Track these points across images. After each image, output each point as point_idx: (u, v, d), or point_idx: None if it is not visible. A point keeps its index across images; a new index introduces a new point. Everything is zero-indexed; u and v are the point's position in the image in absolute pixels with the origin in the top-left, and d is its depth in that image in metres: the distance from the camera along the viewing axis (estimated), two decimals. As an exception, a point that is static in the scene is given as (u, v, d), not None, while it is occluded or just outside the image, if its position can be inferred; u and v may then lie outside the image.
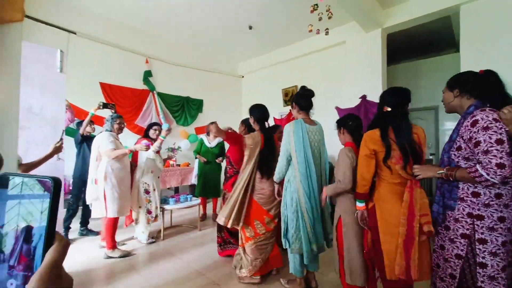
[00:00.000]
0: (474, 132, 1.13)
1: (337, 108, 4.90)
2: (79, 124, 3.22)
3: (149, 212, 2.84)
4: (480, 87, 1.25)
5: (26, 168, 1.60)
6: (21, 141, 1.95)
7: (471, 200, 1.18)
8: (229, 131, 2.39)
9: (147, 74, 5.01)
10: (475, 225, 1.16)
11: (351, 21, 4.36)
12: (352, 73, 4.70)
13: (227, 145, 3.95)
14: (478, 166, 1.10)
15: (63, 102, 2.25)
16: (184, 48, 5.63)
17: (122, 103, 4.68)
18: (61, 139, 1.79)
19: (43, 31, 3.85)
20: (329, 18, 2.75)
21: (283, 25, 4.77)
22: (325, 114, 5.10)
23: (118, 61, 4.70)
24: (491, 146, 1.07)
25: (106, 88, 4.49)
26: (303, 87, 1.97)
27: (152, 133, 2.97)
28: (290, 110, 5.63)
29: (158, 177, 2.98)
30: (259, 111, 2.16)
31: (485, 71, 1.29)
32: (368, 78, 4.47)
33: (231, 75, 6.74)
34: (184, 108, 5.65)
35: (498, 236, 1.13)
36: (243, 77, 7.00)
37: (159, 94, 5.20)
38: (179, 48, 5.57)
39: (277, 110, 6.06)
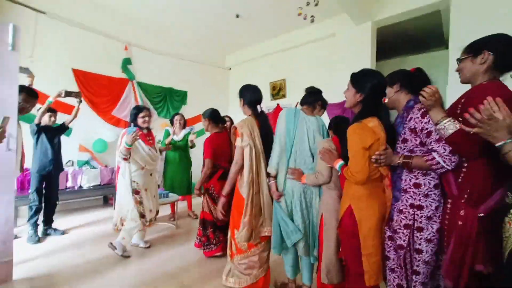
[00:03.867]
0: (425, 122, 1.18)
1: (325, 103, 4.77)
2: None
3: (142, 215, 2.38)
4: (415, 83, 1.32)
5: None
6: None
7: (413, 191, 1.23)
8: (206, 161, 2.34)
9: (126, 62, 4.70)
10: (415, 215, 1.22)
11: (341, 13, 4.22)
12: (341, 67, 4.56)
13: (196, 141, 3.73)
14: (434, 154, 1.14)
15: (15, 83, 1.97)
16: (167, 35, 5.31)
17: (98, 92, 4.36)
18: (1, 127, 1.52)
19: (4, 6, 3.48)
20: (316, 5, 2.59)
21: (271, 14, 4.56)
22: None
23: (93, 46, 4.36)
24: None
25: (80, 75, 4.16)
26: (308, 87, 1.91)
27: (141, 122, 2.45)
28: (277, 104, 5.54)
29: (151, 174, 2.54)
30: (251, 93, 1.86)
31: (416, 68, 1.42)
32: (357, 73, 4.35)
33: (218, 67, 6.49)
34: (166, 99, 5.37)
35: (433, 224, 1.20)
36: (230, 69, 6.76)
37: (139, 84, 4.90)
38: (162, 35, 5.25)
39: (264, 103, 5.80)
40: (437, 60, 4.87)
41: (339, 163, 1.45)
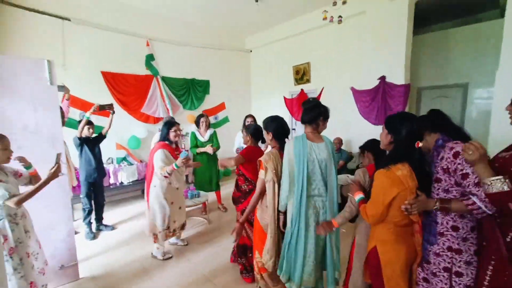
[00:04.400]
0: (459, 163, 1.15)
1: (352, 89, 4.52)
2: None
3: (166, 227, 2.58)
4: (438, 122, 1.32)
5: (19, 200, 1.58)
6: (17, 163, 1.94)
7: (451, 234, 1.21)
8: (238, 155, 2.20)
9: (149, 58, 4.76)
10: (453, 259, 1.20)
11: (373, -12, 3.76)
12: (371, 49, 4.21)
13: (219, 135, 3.81)
14: (475, 199, 1.09)
15: (58, 116, 2.16)
16: (186, 25, 5.21)
17: (126, 92, 4.56)
18: (57, 163, 1.74)
19: (34, 19, 3.63)
20: (344, 3, 2.34)
21: (293, -5, 4.21)
22: (339, 95, 4.75)
23: (118, 46, 4.45)
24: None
25: (108, 77, 4.34)
26: (307, 99, 1.77)
27: (172, 136, 2.54)
28: (301, 89, 5.34)
29: (177, 188, 2.64)
30: (277, 125, 1.84)
31: (430, 110, 1.40)
32: (389, 55, 4.00)
33: (238, 50, 6.30)
34: (190, 91, 5.44)
35: (473, 270, 1.19)
36: (251, 51, 6.53)
37: (163, 78, 4.99)
38: (181, 26, 5.16)
39: (287, 89, 5.72)
40: (487, 31, 4.23)
41: (358, 196, 1.46)
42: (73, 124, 3.77)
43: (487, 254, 1.14)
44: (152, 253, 2.71)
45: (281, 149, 1.82)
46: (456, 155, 1.15)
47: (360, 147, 1.77)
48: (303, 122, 1.73)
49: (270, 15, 5.02)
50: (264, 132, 1.92)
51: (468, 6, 4.46)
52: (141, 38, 4.69)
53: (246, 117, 3.55)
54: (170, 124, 2.59)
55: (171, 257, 2.70)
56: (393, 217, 1.28)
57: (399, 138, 1.30)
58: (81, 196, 3.17)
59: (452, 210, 1.17)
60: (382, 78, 4.08)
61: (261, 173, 1.77)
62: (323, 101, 4.91)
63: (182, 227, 2.83)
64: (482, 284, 1.14)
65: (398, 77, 3.93)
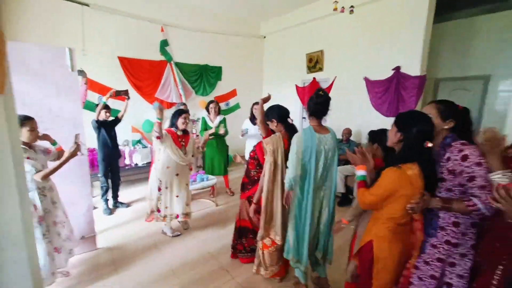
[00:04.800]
0: (467, 166, 1.17)
1: (365, 79, 4.44)
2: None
3: (157, 210, 2.66)
4: (460, 123, 1.29)
5: (45, 175, 1.79)
6: (46, 142, 2.15)
7: (451, 229, 1.26)
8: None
9: (164, 44, 4.85)
10: (449, 251, 1.26)
11: (391, -27, 3.59)
12: (386, 37, 4.08)
13: (229, 122, 3.89)
14: (476, 200, 1.14)
15: (78, 100, 2.33)
16: (200, 11, 5.21)
17: (142, 77, 4.71)
18: (76, 143, 1.91)
19: (55, 5, 3.79)
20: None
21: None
22: (351, 85, 4.68)
23: (133, 32, 4.57)
24: (486, 182, 1.14)
25: (125, 62, 4.49)
26: (318, 92, 1.75)
27: (180, 123, 2.62)
28: (314, 78, 5.29)
29: (177, 174, 2.65)
30: (276, 111, 1.98)
31: (463, 108, 1.33)
32: (406, 43, 3.87)
33: (251, 36, 6.25)
34: (202, 77, 5.53)
35: (467, 262, 1.25)
36: (264, 37, 6.46)
37: (177, 64, 5.09)
38: (195, 12, 5.18)
39: (300, 77, 5.68)
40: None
41: (361, 172, 1.42)
42: (91, 107, 3.98)
43: (498, 254, 1.15)
44: (162, 230, 2.93)
45: (286, 132, 1.95)
46: (464, 158, 1.17)
47: (370, 134, 1.77)
48: (312, 114, 1.76)
49: (284, 0, 4.92)
50: (269, 123, 2.01)
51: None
52: (156, 24, 4.77)
53: (254, 104, 3.59)
54: (179, 112, 2.68)
55: (179, 235, 2.91)
56: (394, 213, 1.30)
57: (409, 137, 1.28)
58: (99, 175, 3.42)
59: (453, 210, 1.21)
60: (397, 69, 3.98)
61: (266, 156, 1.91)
62: (335, 90, 4.89)
63: (187, 215, 2.81)
64: (490, 284, 1.15)
65: (414, 68, 3.82)
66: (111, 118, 3.35)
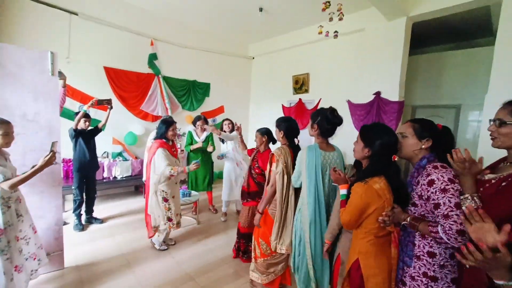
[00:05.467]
0: (432, 192, 1.11)
1: (348, 102, 4.63)
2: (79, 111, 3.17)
3: (169, 219, 2.67)
4: (440, 143, 1.23)
5: (13, 184, 1.64)
6: (18, 147, 2.01)
7: (426, 260, 1.17)
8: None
9: (152, 57, 4.86)
10: (429, 286, 1.16)
11: (372, 6, 3.91)
12: (368, 64, 4.34)
13: (216, 138, 3.87)
14: (439, 228, 1.07)
15: (56, 106, 2.22)
16: (191, 29, 5.34)
17: (128, 88, 4.64)
18: (52, 151, 1.80)
19: (42, 12, 3.73)
20: (340, 19, 2.45)
21: (295, 8, 4.37)
22: (335, 106, 4.81)
23: (122, 44, 4.56)
24: (451, 211, 1.05)
25: (111, 73, 4.42)
26: (333, 111, 1.72)
27: (170, 134, 2.66)
28: (299, 99, 5.45)
29: (176, 183, 2.76)
30: (289, 125, 1.99)
31: (444, 127, 1.27)
32: (385, 71, 4.12)
33: (240, 57, 6.43)
34: (190, 92, 5.53)
35: None
36: (253, 58, 6.67)
37: (165, 78, 5.08)
38: (186, 29, 5.29)
39: (286, 98, 5.84)
40: (479, 57, 4.39)
41: (343, 191, 1.44)
42: (69, 115, 3.82)
43: None
44: (151, 240, 2.82)
45: (290, 146, 1.98)
46: (430, 183, 1.11)
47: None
48: (322, 133, 1.73)
49: (273, 25, 5.17)
50: (276, 130, 2.06)
51: (463, 31, 4.64)
52: (146, 38, 4.80)
53: (224, 120, 3.75)
54: (169, 123, 2.67)
55: (166, 249, 2.81)
56: (370, 227, 1.31)
57: (374, 151, 1.30)
58: (72, 187, 3.21)
59: (419, 229, 1.16)
60: (377, 94, 4.20)
61: (273, 166, 1.90)
62: (319, 111, 5.01)
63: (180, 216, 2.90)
64: None
65: (393, 94, 4.04)
66: (90, 128, 3.21)
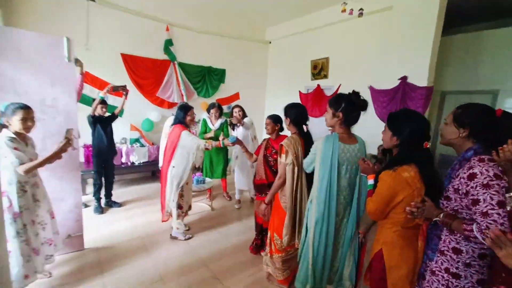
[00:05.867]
0: (472, 187, 0.99)
1: (371, 88, 4.35)
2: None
3: (180, 207, 2.63)
4: (493, 132, 1.06)
5: (28, 169, 1.67)
6: (38, 132, 2.05)
7: (451, 256, 1.10)
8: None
9: (168, 43, 4.81)
10: (450, 282, 1.09)
11: (402, -19, 3.55)
12: (395, 46, 4.01)
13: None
14: (474, 226, 0.97)
15: (73, 92, 2.24)
16: (207, 12, 5.19)
17: (144, 75, 4.65)
18: (67, 138, 1.80)
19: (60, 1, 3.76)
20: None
21: (317, -14, 4.07)
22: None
23: (138, 29, 4.53)
24: (492, 209, 0.94)
25: (128, 59, 4.44)
26: (356, 93, 1.54)
27: (189, 120, 2.61)
28: (318, 85, 5.22)
29: (191, 169, 2.65)
30: (296, 112, 1.90)
31: (504, 113, 1.08)
32: (413, 55, 3.79)
33: (257, 41, 6.22)
34: (205, 79, 5.47)
35: None
36: (270, 42, 6.43)
37: (180, 65, 5.04)
38: (201, 14, 5.15)
39: (303, 83, 5.61)
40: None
41: (370, 181, 1.36)
42: (88, 101, 3.89)
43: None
44: (171, 235, 2.78)
45: (300, 134, 1.87)
46: (471, 177, 1.00)
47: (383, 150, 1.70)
48: (347, 122, 1.56)
49: (291, 6, 4.89)
50: (283, 117, 1.97)
51: (505, 7, 4.12)
52: (162, 23, 4.73)
53: (234, 107, 3.58)
54: (187, 108, 2.62)
55: (191, 237, 2.81)
56: (398, 218, 1.23)
57: (403, 138, 1.22)
58: (92, 171, 3.31)
59: (452, 227, 1.07)
60: (403, 79, 3.89)
61: (282, 157, 1.81)
62: (339, 98, 4.76)
63: (190, 207, 2.87)
64: None
65: (421, 79, 3.73)
66: (107, 114, 3.26)
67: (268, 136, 2.41)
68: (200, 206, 3.67)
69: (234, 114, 3.52)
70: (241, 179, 3.65)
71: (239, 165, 3.68)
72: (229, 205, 3.81)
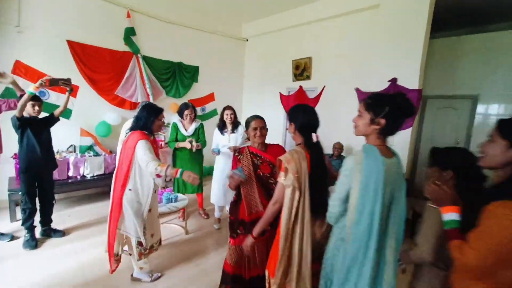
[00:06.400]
0: None
1: (357, 90, 4.07)
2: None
3: (140, 244, 1.91)
4: None
5: None
6: None
7: None
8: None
9: (129, 32, 4.05)
10: None
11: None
12: (382, 47, 3.80)
13: (205, 130, 3.18)
14: None
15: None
16: (176, 1, 4.54)
17: (98, 68, 3.83)
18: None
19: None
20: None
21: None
22: (341, 95, 4.33)
23: (91, 12, 3.72)
24: None
25: (76, 48, 3.60)
26: (402, 95, 1.13)
27: (157, 126, 1.98)
28: (300, 86, 4.86)
29: (155, 191, 2.02)
30: (303, 116, 1.43)
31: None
32: (403, 56, 3.60)
33: (233, 38, 5.70)
34: (175, 77, 4.78)
35: None
36: (247, 40, 5.96)
37: (145, 58, 4.30)
38: (170, 1, 4.49)
39: (284, 84, 5.22)
40: (500, 41, 3.98)
41: (452, 215, 0.94)
42: (11, 94, 2.98)
43: None
44: (132, 275, 2.09)
45: (306, 146, 1.39)
46: None
47: (436, 153, 1.27)
48: (387, 132, 1.13)
49: (268, 2, 4.48)
50: (287, 123, 1.49)
51: (482, 13, 4.18)
52: (121, 8, 3.97)
53: (224, 109, 2.98)
54: (157, 110, 1.94)
55: (160, 276, 2.15)
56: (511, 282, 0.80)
57: None
58: (20, 193, 2.47)
59: None
60: (393, 81, 3.68)
61: (281, 175, 1.33)
62: (323, 101, 4.45)
63: (159, 242, 2.16)
64: None
65: (412, 81, 3.54)
66: (43, 115, 2.46)
67: (246, 144, 1.88)
68: (171, 229, 3.00)
69: (225, 117, 2.93)
70: (218, 193, 3.02)
71: (217, 176, 3.07)
72: (206, 225, 3.19)
